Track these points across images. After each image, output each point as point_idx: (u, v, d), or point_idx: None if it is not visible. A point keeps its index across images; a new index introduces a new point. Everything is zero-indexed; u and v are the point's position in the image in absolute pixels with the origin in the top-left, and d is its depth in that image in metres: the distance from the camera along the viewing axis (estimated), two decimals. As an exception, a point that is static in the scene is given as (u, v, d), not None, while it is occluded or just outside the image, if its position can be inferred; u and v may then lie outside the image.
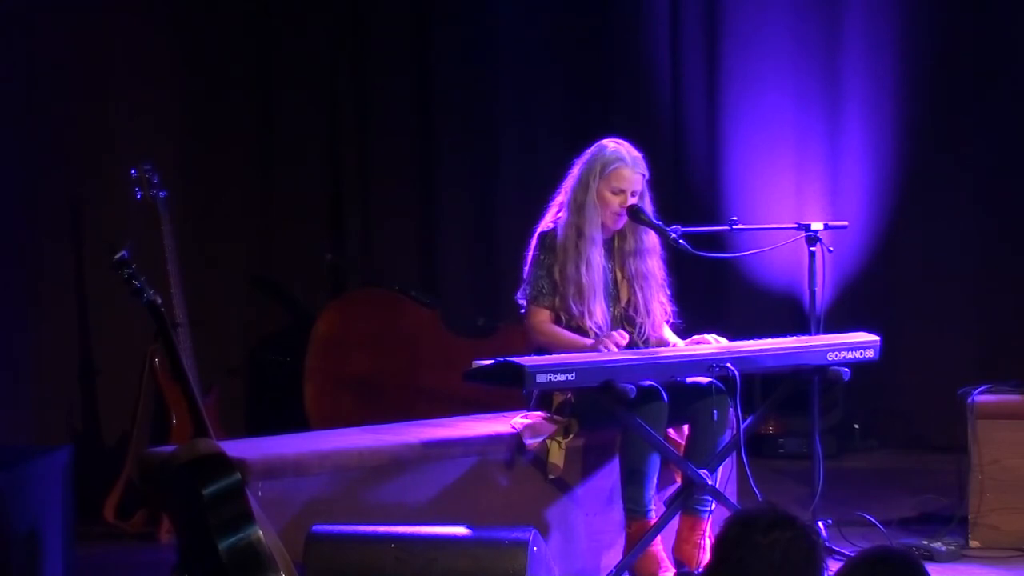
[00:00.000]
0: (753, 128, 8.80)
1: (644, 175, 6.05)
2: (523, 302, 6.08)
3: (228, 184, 8.60)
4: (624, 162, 6.03)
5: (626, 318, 6.08)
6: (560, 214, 6.07)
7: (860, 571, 3.55)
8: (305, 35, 8.88)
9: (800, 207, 8.52)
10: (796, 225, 6.33)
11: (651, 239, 6.09)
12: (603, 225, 6.03)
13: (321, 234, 8.95)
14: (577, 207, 6.01)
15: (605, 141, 6.10)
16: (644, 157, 6.09)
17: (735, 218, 6.42)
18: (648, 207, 6.07)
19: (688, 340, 6.11)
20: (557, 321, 6.02)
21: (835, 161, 8.77)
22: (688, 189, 8.81)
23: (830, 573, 4.74)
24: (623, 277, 6.10)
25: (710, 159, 8.90)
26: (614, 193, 6.01)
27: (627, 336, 5.90)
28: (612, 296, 6.08)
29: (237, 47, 8.68)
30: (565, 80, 8.93)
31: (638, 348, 6.00)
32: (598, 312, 5.99)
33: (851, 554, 6.01)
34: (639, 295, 6.08)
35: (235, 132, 8.66)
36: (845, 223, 6.62)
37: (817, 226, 6.27)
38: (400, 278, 8.54)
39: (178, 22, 8.22)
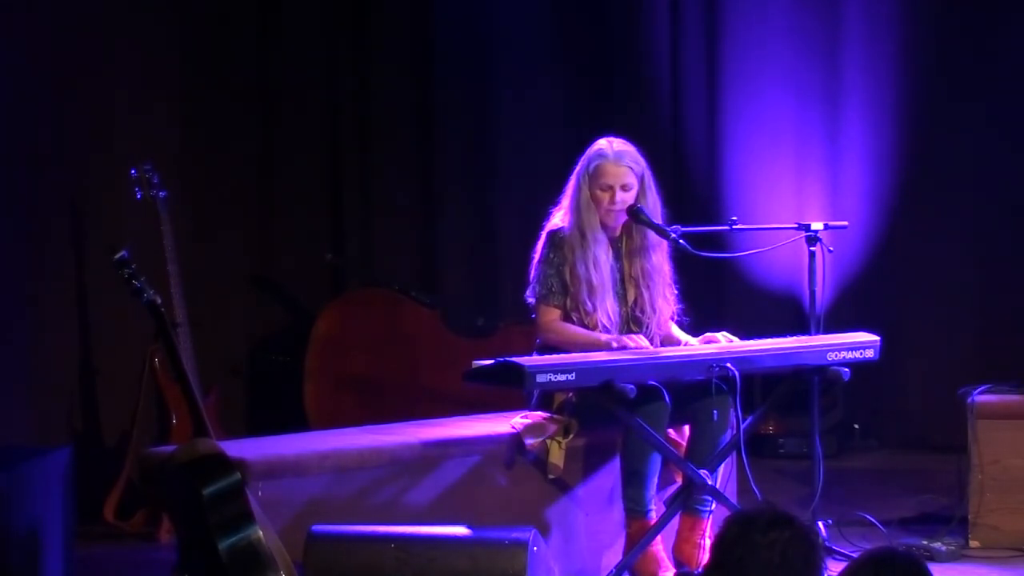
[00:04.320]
0: (753, 127, 8.80)
1: (632, 167, 6.03)
2: (532, 301, 6.08)
3: (228, 184, 8.60)
4: (606, 158, 6.03)
5: (633, 318, 6.08)
6: (565, 214, 6.07)
7: (864, 572, 3.55)
8: (305, 35, 8.87)
9: (800, 207, 8.52)
10: (796, 225, 6.33)
11: (656, 236, 6.08)
12: (603, 224, 6.03)
13: (321, 234, 8.94)
14: (576, 208, 6.03)
15: (599, 139, 6.12)
16: (641, 151, 6.08)
17: (735, 218, 6.42)
18: (651, 200, 6.05)
19: (699, 339, 6.11)
20: (566, 320, 6.02)
21: (835, 161, 8.77)
22: (688, 189, 8.80)
23: (830, 573, 4.75)
24: (630, 276, 6.10)
25: (710, 159, 8.90)
26: (602, 190, 6.01)
27: (645, 343, 5.89)
28: (620, 295, 6.08)
29: (237, 46, 8.68)
30: (565, 80, 8.93)
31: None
32: (609, 310, 5.99)
33: (851, 554, 6.04)
34: (645, 294, 6.08)
35: (235, 132, 8.66)
36: (845, 223, 6.62)
37: (817, 226, 6.27)
38: (400, 278, 8.54)
39: (179, 22, 8.21)
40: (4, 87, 6.99)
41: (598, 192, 6.02)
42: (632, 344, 5.83)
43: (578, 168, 6.08)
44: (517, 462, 5.95)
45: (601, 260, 6.01)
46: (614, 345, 5.82)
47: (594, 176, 6.02)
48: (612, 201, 6.00)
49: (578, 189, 6.04)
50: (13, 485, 5.32)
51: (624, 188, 6.02)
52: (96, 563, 6.55)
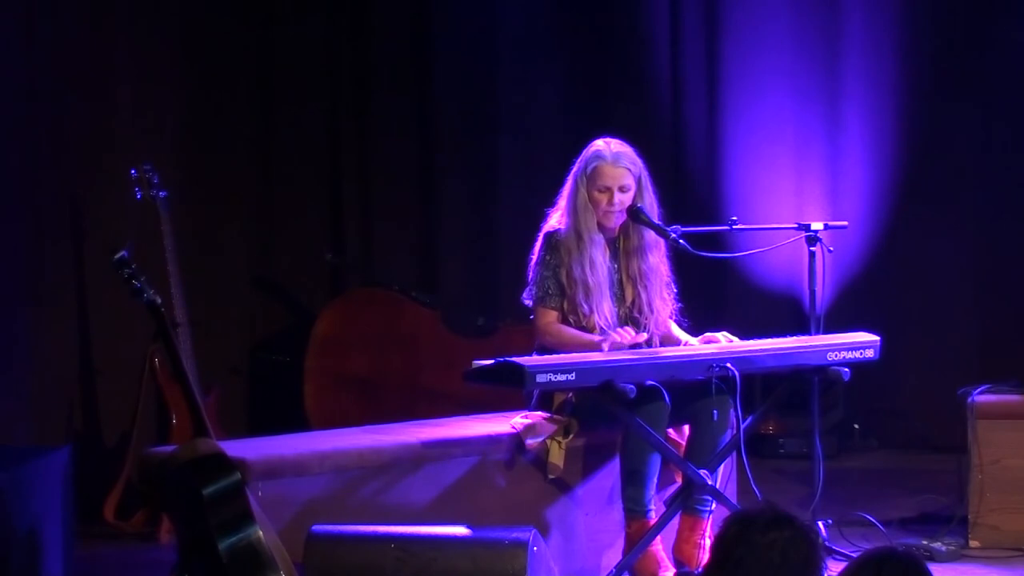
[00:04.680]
0: (753, 128, 8.80)
1: (630, 168, 6.02)
2: (530, 303, 6.08)
3: (228, 184, 8.59)
4: (604, 159, 6.02)
5: (631, 318, 6.08)
6: (562, 216, 6.07)
7: (865, 571, 3.55)
8: (305, 35, 8.88)
9: (800, 207, 8.52)
10: (796, 225, 6.33)
11: (653, 236, 6.08)
12: (600, 225, 6.03)
13: (321, 234, 8.94)
14: (573, 210, 6.02)
15: (596, 141, 6.11)
16: (638, 152, 6.08)
17: (735, 218, 6.42)
18: (648, 201, 6.05)
19: (699, 338, 6.11)
20: (564, 322, 6.02)
21: (835, 161, 8.77)
22: (688, 189, 8.80)
23: (830, 573, 4.75)
24: (627, 276, 6.10)
25: (710, 159, 8.90)
26: (600, 192, 6.00)
27: (634, 332, 5.89)
28: (617, 296, 6.08)
29: (238, 47, 8.68)
30: (565, 80, 8.93)
31: (642, 347, 5.99)
32: (606, 311, 5.99)
33: (851, 554, 6.04)
34: (643, 294, 6.08)
35: (235, 132, 8.66)
36: (845, 223, 6.62)
37: (817, 226, 6.27)
38: (400, 278, 8.54)
39: (179, 22, 8.21)
40: (4, 87, 6.99)
41: (596, 193, 6.01)
42: (618, 338, 5.82)
43: (575, 169, 6.07)
44: (517, 462, 5.95)
45: (598, 261, 6.00)
46: (605, 348, 5.82)
47: (592, 178, 6.01)
48: (610, 203, 6.00)
49: (575, 190, 6.03)
50: (13, 485, 5.32)
51: (622, 189, 6.01)
52: (96, 563, 6.55)
